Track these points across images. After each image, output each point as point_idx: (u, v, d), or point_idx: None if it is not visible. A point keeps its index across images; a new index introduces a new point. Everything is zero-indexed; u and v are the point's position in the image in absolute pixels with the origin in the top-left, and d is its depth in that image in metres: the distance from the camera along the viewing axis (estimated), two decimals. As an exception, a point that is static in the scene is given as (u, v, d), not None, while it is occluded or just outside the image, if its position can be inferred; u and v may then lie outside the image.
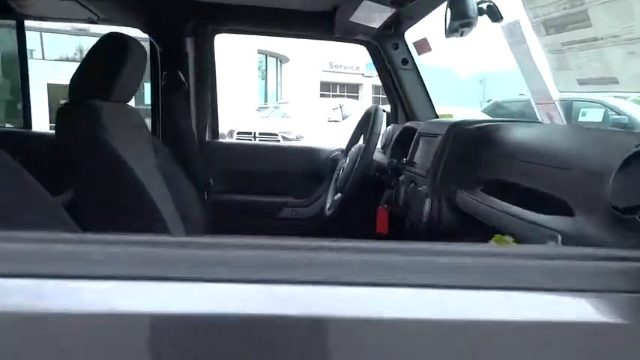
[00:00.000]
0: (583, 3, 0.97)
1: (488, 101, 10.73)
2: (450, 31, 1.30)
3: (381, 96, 21.71)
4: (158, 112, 2.08)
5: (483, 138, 1.15)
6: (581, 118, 8.15)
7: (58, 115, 1.47)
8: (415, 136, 1.57)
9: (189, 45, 2.02)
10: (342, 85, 21.58)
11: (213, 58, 2.14)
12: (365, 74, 20.86)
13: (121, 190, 1.43)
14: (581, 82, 1.11)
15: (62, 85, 2.33)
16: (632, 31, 0.90)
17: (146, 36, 1.99)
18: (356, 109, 10.03)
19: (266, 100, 16.29)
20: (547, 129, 1.20)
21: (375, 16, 1.73)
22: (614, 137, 0.95)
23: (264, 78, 17.05)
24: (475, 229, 1.17)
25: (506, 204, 0.97)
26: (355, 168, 1.63)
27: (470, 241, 1.18)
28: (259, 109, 12.69)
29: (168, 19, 1.96)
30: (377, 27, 1.84)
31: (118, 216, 1.46)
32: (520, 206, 0.91)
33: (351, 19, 1.77)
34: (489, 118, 1.26)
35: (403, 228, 1.68)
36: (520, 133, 1.12)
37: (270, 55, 16.89)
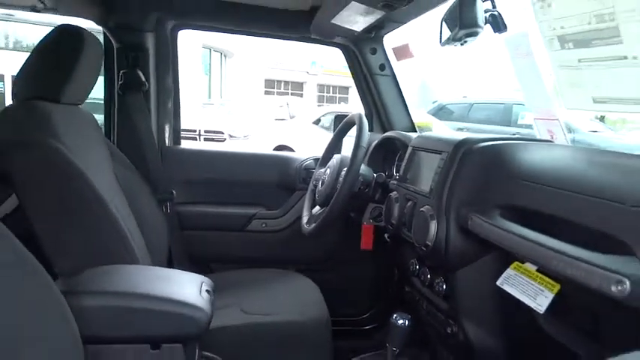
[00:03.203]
0: (614, 19, 0.91)
1: (433, 103, 10.96)
2: (453, 40, 1.22)
3: (325, 94, 21.79)
4: (112, 114, 1.86)
5: (497, 158, 1.07)
6: (520, 121, 8.53)
7: (1, 117, 1.25)
8: (409, 151, 1.47)
9: (150, 41, 1.82)
10: (287, 83, 21.42)
11: (176, 56, 1.95)
12: (310, 72, 20.84)
13: (79, 206, 1.24)
14: (597, 101, 1.06)
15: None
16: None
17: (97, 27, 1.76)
18: (302, 108, 9.94)
19: (209, 96, 15.79)
20: (563, 151, 1.14)
21: (359, 19, 1.61)
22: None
23: (208, 73, 16.51)
24: (488, 253, 1.09)
25: (528, 231, 0.89)
26: (341, 182, 1.51)
27: (482, 266, 1.10)
28: (204, 105, 12.29)
29: (127, 11, 1.75)
30: (359, 30, 1.73)
31: (77, 236, 1.27)
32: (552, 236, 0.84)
33: (332, 21, 1.65)
34: (497, 135, 1.18)
35: (387, 245, 1.58)
36: (539, 155, 1.05)
37: (214, 50, 16.38)
